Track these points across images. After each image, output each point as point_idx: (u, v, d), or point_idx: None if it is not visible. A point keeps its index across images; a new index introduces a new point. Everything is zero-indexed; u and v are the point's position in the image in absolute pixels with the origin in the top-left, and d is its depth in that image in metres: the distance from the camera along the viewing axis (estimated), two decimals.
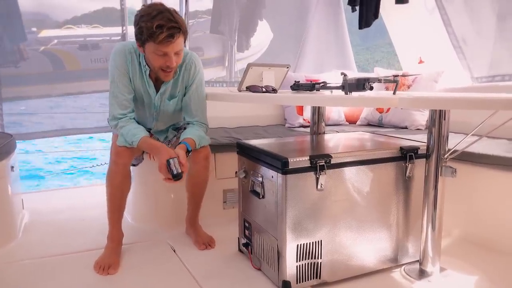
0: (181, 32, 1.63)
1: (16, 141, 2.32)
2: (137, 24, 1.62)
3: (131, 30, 3.27)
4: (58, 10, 3.08)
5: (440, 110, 1.55)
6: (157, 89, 1.85)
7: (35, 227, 2.24)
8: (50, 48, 3.15)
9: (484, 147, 2.04)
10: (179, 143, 1.77)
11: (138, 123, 1.82)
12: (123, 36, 3.23)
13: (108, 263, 1.73)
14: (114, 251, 1.83)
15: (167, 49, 1.63)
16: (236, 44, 3.59)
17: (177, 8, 2.87)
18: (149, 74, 1.79)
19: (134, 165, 2.08)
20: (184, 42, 1.70)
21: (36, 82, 3.05)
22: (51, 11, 3.07)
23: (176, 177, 1.63)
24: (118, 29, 3.21)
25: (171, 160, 1.63)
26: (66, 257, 1.87)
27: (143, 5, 1.65)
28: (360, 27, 3.21)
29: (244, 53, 3.75)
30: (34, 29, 3.13)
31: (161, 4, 1.63)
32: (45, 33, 3.17)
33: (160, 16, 1.57)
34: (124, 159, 1.77)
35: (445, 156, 1.58)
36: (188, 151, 1.74)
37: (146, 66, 1.77)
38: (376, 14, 3.09)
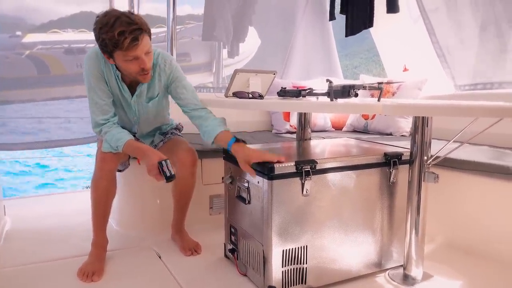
0: (144, 32, 1.59)
1: None
2: (98, 37, 1.57)
3: None
4: (34, 13, 3.04)
5: (423, 117, 1.58)
6: (132, 92, 1.83)
7: (17, 234, 2.20)
8: (35, 53, 3.12)
9: (466, 153, 2.08)
10: (235, 141, 1.65)
11: (122, 127, 1.80)
12: None
13: (92, 270, 1.71)
14: (98, 257, 1.80)
15: (136, 53, 1.59)
16: (231, 50, 3.59)
17: (164, 15, 2.88)
18: (122, 78, 1.77)
19: (120, 170, 2.07)
20: (150, 40, 1.66)
21: (20, 87, 3.00)
22: (26, 14, 3.02)
23: (170, 179, 1.62)
24: None
25: (163, 162, 1.61)
26: (49, 264, 1.84)
27: (97, 16, 1.59)
28: (346, 35, 3.25)
29: (232, 59, 3.76)
30: (18, 33, 3.09)
31: (115, 10, 1.59)
32: (29, 37, 3.13)
33: (119, 22, 1.53)
34: (110, 164, 1.76)
35: (428, 162, 1.61)
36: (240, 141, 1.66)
37: (117, 71, 1.74)
38: (370, 23, 3.11)
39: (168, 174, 1.61)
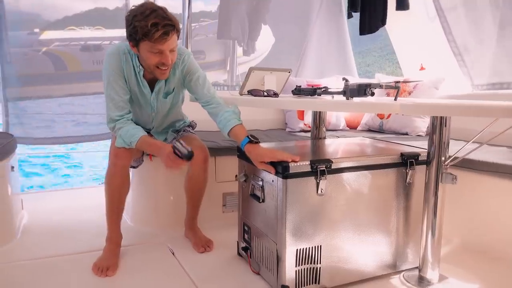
0: (175, 29, 1.64)
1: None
2: (130, 24, 1.62)
3: None
4: (49, 10, 3.09)
5: (441, 117, 1.55)
6: (152, 88, 1.84)
7: (34, 227, 2.24)
8: (52, 49, 3.16)
9: (484, 154, 2.04)
10: (248, 142, 1.64)
11: (137, 124, 1.81)
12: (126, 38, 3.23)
13: (107, 265, 1.73)
14: (113, 253, 1.82)
15: (163, 47, 1.63)
16: (247, 48, 3.59)
17: (177, 12, 2.89)
18: (143, 75, 1.79)
19: (134, 167, 2.08)
20: (177, 39, 1.70)
21: (38, 83, 3.05)
22: (41, 11, 3.07)
23: (189, 156, 1.56)
24: (118, 31, 3.22)
25: (176, 144, 1.58)
26: (65, 258, 1.86)
27: (133, 6, 1.65)
28: (362, 33, 3.21)
29: (246, 57, 3.75)
30: (36, 30, 3.14)
31: (152, 3, 1.64)
32: (46, 34, 3.18)
33: (154, 14, 1.58)
34: (123, 160, 1.77)
35: (446, 163, 1.58)
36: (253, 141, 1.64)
37: (140, 67, 1.76)
38: (384, 20, 3.08)
39: (186, 152, 1.56)
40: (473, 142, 1.62)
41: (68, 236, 2.12)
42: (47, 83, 3.10)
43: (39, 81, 3.06)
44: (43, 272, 1.72)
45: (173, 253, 1.94)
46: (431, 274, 1.65)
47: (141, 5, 1.62)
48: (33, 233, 2.16)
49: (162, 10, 1.62)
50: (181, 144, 1.58)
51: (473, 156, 1.93)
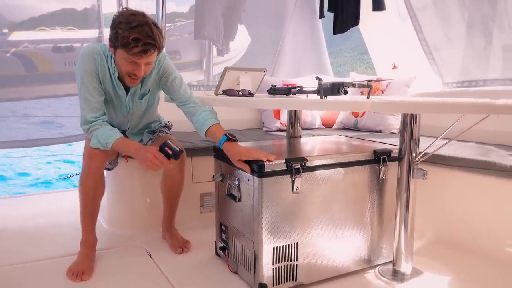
0: (156, 49, 1.61)
1: None
2: (114, 27, 1.59)
3: (107, 33, 3.21)
4: (14, 10, 3.00)
5: (411, 114, 1.60)
6: (127, 90, 1.82)
7: (5, 233, 2.17)
8: (22, 50, 3.07)
9: (454, 150, 2.11)
10: (226, 140, 1.65)
11: (112, 126, 1.79)
12: (99, 39, 3.17)
13: (82, 269, 1.70)
14: (88, 257, 1.79)
15: (138, 61, 1.61)
16: (223, 48, 3.58)
17: (150, 12, 2.86)
18: (118, 76, 1.76)
19: (108, 169, 2.05)
20: (156, 55, 1.69)
21: (7, 85, 2.96)
22: (6, 11, 2.97)
23: (179, 153, 1.66)
24: (90, 32, 3.16)
25: (167, 142, 1.64)
26: (38, 264, 1.82)
27: (125, 8, 1.62)
28: (334, 33, 3.26)
29: (222, 57, 3.74)
30: (5, 30, 3.05)
31: (143, 15, 1.59)
32: (15, 35, 3.09)
33: (139, 29, 1.54)
34: (97, 162, 1.74)
35: (417, 159, 1.62)
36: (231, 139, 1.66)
37: (115, 68, 1.74)
38: (356, 21, 3.14)
39: (177, 150, 1.65)
40: (442, 138, 1.67)
41: (41, 241, 2.07)
42: (17, 85, 3.01)
43: (8, 82, 2.97)
44: (15, 279, 1.68)
45: (150, 255, 1.92)
46: (405, 267, 1.69)
47: (132, 14, 1.58)
48: (5, 239, 2.10)
49: (149, 26, 1.56)
50: (171, 143, 1.66)
51: (443, 151, 2.00)
